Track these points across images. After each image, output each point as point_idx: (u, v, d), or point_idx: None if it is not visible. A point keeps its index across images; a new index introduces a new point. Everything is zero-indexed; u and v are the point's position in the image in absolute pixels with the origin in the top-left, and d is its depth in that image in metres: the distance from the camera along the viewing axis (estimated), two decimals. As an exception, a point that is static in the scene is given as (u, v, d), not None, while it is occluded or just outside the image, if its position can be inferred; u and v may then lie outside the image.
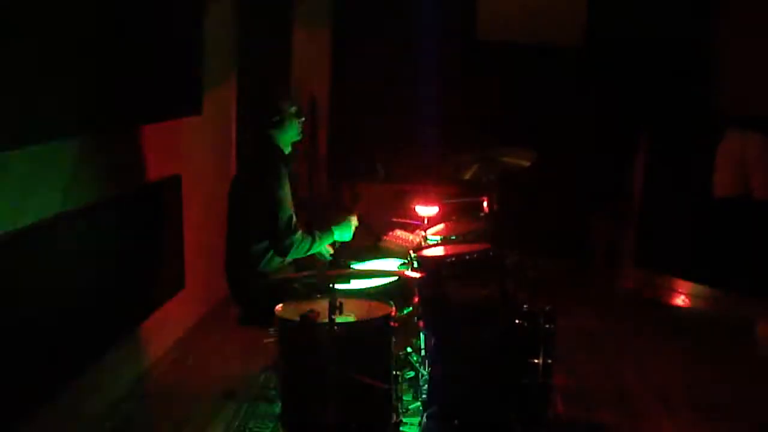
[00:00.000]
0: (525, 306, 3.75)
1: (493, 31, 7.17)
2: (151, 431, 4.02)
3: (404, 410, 3.60)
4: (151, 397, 4.31)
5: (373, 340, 3.22)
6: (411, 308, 3.69)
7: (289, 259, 4.02)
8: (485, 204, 4.11)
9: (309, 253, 4.04)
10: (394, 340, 3.29)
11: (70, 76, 3.47)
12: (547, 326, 3.58)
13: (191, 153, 5.21)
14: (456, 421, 3.44)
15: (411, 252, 3.70)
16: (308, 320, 3.03)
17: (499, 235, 3.74)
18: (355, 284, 3.67)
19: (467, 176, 4.06)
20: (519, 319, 3.52)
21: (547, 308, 3.71)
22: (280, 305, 3.39)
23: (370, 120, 7.26)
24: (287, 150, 4.13)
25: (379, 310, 3.35)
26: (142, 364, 4.54)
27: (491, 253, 3.25)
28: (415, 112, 7.07)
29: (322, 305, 3.21)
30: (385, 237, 4.52)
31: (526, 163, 4.10)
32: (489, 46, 7.14)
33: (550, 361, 3.50)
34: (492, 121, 6.71)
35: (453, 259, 3.22)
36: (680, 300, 6.24)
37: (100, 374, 3.94)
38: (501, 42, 7.10)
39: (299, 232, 3.94)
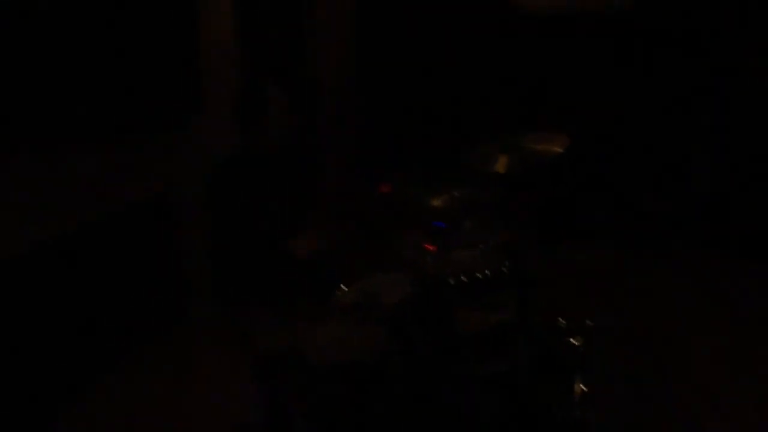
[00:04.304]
0: (560, 319, 3.27)
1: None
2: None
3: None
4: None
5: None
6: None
7: None
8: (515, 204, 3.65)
9: None
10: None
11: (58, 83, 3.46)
12: (583, 347, 3.07)
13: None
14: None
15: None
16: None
17: (525, 243, 3.24)
18: None
19: (499, 169, 3.54)
20: (546, 341, 3.03)
21: (587, 323, 3.22)
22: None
23: (398, 106, 6.78)
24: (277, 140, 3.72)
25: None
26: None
27: (506, 270, 2.72)
28: (444, 93, 6.59)
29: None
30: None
31: (560, 150, 3.57)
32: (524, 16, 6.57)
33: (585, 389, 2.97)
34: (526, 101, 6.19)
35: (463, 278, 2.71)
36: (747, 285, 5.54)
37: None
38: (537, 11, 6.53)
39: None
